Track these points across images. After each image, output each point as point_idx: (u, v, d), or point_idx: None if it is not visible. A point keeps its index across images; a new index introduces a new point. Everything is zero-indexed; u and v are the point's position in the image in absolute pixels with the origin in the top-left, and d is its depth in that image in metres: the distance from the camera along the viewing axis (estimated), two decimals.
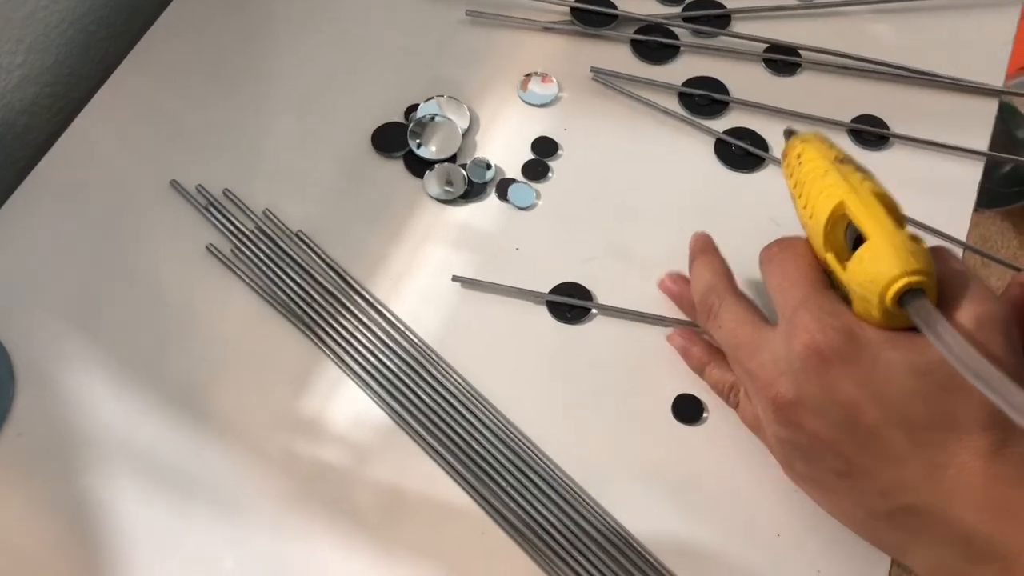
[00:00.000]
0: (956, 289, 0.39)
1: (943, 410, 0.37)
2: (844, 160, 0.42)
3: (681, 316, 0.51)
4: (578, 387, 0.50)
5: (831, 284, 0.42)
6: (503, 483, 0.47)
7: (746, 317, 0.44)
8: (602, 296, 0.52)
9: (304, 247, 0.54)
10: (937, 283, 0.39)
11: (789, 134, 0.47)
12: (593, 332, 0.51)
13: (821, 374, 0.38)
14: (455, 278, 0.53)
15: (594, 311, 0.52)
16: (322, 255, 0.53)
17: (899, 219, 0.40)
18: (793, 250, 0.43)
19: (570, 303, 0.52)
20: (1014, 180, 1.32)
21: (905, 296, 0.37)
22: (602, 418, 0.49)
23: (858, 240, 0.40)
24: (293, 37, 0.62)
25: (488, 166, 0.56)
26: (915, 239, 0.39)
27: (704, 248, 0.48)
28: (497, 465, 0.47)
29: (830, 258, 0.40)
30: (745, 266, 0.53)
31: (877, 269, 0.37)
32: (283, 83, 0.60)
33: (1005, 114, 1.29)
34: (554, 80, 0.60)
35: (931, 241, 0.54)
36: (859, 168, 0.42)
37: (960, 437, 0.36)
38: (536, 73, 0.60)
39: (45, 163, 0.57)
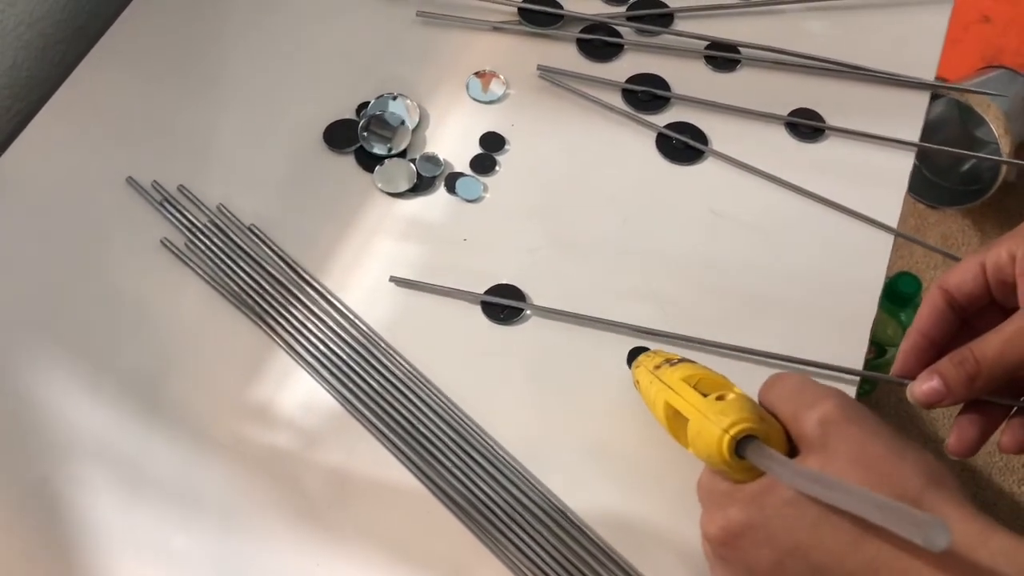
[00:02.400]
0: (793, 406, 0.39)
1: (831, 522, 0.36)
2: (660, 365, 0.45)
3: (607, 317, 0.52)
4: (519, 374, 0.52)
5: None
6: (448, 463, 0.48)
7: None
8: (544, 289, 0.54)
9: (257, 240, 0.55)
10: (777, 407, 0.40)
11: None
12: (527, 333, 0.53)
13: (735, 556, 0.39)
14: (392, 279, 0.54)
15: (528, 312, 0.53)
16: (274, 248, 0.55)
17: (714, 385, 0.42)
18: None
19: (503, 304, 0.53)
20: (973, 179, 1.35)
21: (740, 450, 0.38)
22: (542, 400, 0.51)
23: None
24: (247, 37, 0.64)
25: (437, 161, 0.58)
26: (721, 396, 0.40)
27: None
28: (442, 446, 0.49)
29: (692, 452, 0.41)
30: (686, 254, 0.55)
31: (705, 442, 0.39)
32: (238, 82, 0.62)
33: (963, 115, 1.32)
34: (498, 75, 0.61)
35: (863, 228, 0.56)
36: (674, 363, 0.44)
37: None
38: (486, 71, 0.62)
39: (3, 162, 0.58)
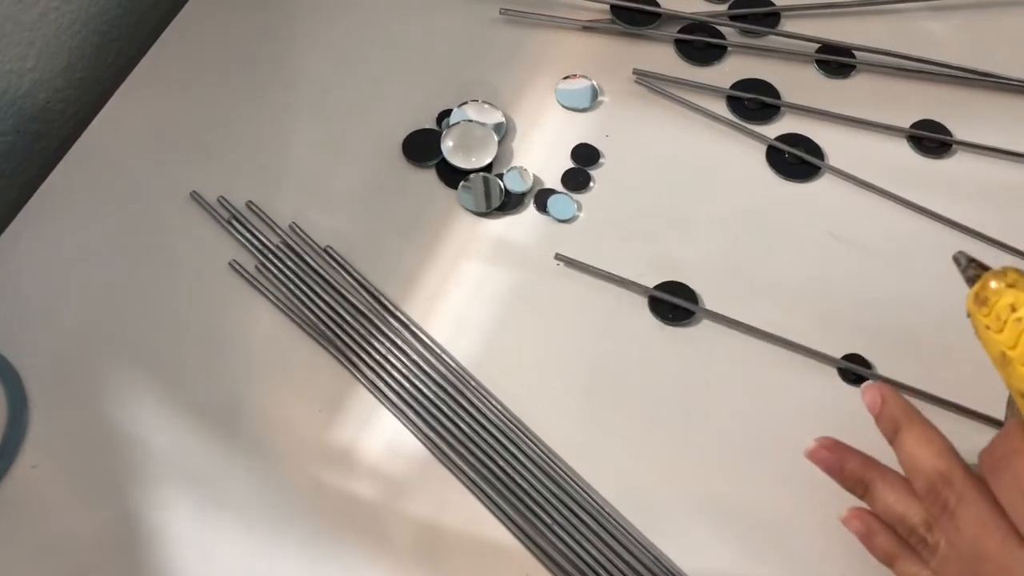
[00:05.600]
0: None
1: None
2: None
3: None
4: (628, 414, 0.47)
5: None
6: (548, 519, 0.44)
7: (995, 523, 0.35)
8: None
9: (333, 263, 0.51)
10: None
11: (969, 265, 0.36)
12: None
13: None
14: (558, 256, 0.50)
15: (698, 314, 0.49)
16: (352, 272, 0.50)
17: None
18: None
19: (674, 303, 0.49)
20: None
21: None
22: (653, 448, 0.46)
23: None
24: (318, 38, 0.59)
25: (526, 176, 0.53)
26: None
27: (910, 416, 0.38)
28: (541, 500, 0.44)
29: None
30: (802, 282, 0.50)
31: None
32: (308, 88, 0.57)
33: None
34: (589, 79, 0.56)
35: (998, 255, 0.51)
36: None
37: None
38: (576, 75, 0.57)
39: (58, 173, 0.54)
